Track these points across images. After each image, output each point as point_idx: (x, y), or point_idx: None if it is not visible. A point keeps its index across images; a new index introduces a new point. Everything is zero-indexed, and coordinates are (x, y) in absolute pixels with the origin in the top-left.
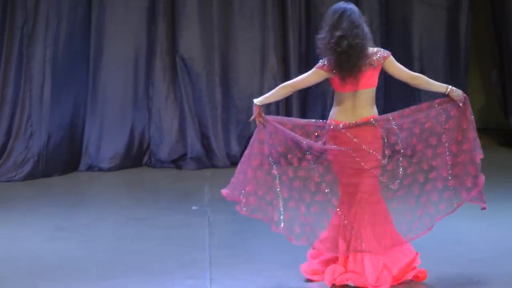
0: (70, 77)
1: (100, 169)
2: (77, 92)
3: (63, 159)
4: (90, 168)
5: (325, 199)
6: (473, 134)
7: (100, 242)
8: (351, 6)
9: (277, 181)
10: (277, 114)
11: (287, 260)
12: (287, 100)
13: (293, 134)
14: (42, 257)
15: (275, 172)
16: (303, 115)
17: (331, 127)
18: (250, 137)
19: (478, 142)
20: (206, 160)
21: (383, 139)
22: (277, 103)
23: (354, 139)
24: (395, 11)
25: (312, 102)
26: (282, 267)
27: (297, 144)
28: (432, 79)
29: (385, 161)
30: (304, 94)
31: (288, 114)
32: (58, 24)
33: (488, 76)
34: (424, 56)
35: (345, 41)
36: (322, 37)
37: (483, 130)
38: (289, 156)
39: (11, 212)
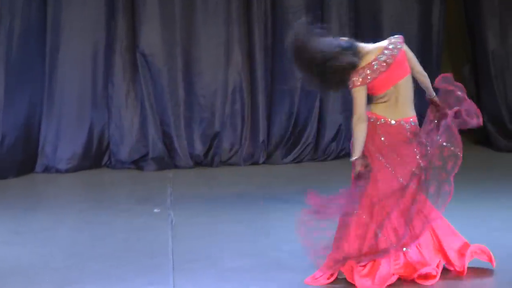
0: (25, 75)
1: (58, 171)
2: (33, 91)
3: (18, 160)
4: (46, 169)
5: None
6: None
7: (57, 247)
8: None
9: None
10: (242, 114)
11: (252, 265)
12: (252, 100)
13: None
14: None
15: None
16: (269, 114)
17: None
18: (214, 136)
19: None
20: (168, 160)
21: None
22: (242, 105)
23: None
24: (364, 4)
25: (278, 101)
26: (247, 271)
27: None
28: None
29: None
30: (270, 91)
31: (254, 113)
32: (12, 20)
33: (460, 71)
34: None
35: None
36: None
37: None
38: None
39: None
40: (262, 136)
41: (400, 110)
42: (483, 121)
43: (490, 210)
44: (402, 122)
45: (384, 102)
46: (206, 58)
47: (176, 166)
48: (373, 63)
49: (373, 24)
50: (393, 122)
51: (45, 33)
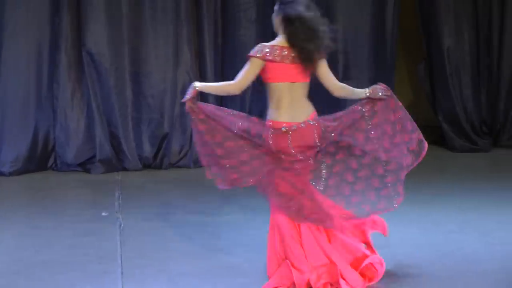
0: None
1: (1, 174)
2: None
3: None
4: None
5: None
6: (399, 126)
7: (1, 253)
8: None
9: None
10: None
11: (203, 268)
12: (202, 100)
13: (224, 121)
14: None
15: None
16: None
17: (270, 132)
18: (163, 138)
19: (413, 130)
20: (116, 162)
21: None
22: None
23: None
24: (316, 1)
25: (229, 101)
26: (198, 276)
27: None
28: (357, 74)
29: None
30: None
31: None
32: None
33: (415, 70)
34: (349, 49)
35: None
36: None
37: None
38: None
39: None
40: None
41: (296, 112)
42: (439, 120)
43: (446, 212)
44: (302, 124)
45: (278, 103)
46: (154, 57)
47: (124, 169)
48: (285, 50)
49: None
50: (283, 128)
51: None
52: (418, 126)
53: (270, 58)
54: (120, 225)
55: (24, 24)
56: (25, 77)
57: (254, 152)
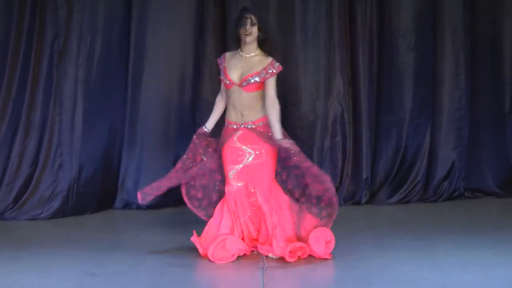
0: (105, 100)
1: (139, 207)
2: (113, 118)
3: (96, 195)
4: (127, 205)
5: None
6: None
7: None
8: None
9: None
10: (344, 148)
11: None
12: (355, 133)
13: None
14: None
15: None
16: (374, 148)
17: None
18: None
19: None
20: None
21: None
22: (343, 139)
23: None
24: (481, 28)
25: (384, 134)
26: None
27: None
28: None
29: None
30: (375, 123)
31: (357, 147)
32: (92, 39)
33: None
34: None
35: None
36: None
37: None
38: None
39: (35, 255)
40: (365, 173)
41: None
42: None
43: None
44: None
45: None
46: (304, 86)
47: None
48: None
49: (491, 50)
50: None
51: (128, 53)
52: None
53: None
54: (264, 265)
55: (167, 49)
56: (166, 104)
57: None
